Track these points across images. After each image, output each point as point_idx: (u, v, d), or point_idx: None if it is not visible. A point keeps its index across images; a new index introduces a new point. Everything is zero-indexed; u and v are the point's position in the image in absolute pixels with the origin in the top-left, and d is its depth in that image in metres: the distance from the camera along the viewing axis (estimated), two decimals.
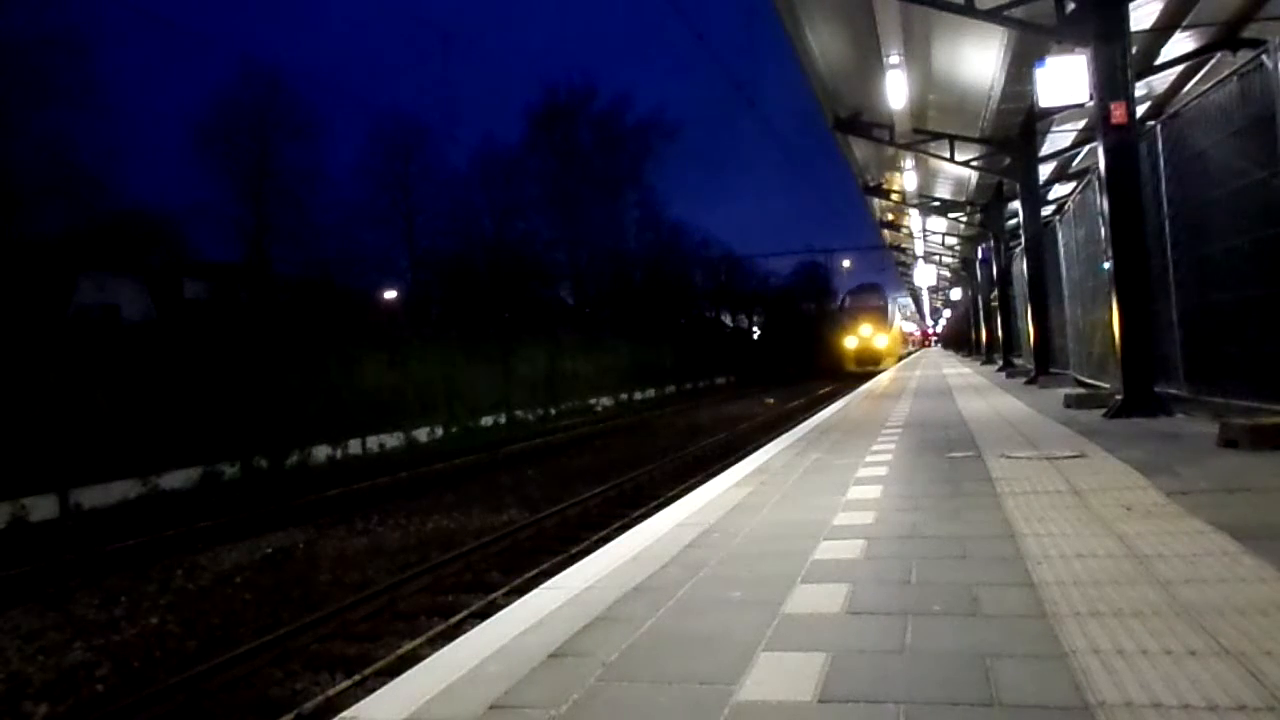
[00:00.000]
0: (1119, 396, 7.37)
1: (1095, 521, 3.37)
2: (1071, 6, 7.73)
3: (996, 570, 2.80)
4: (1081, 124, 14.15)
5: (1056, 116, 13.04)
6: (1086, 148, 15.76)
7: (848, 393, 16.93)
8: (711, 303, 52.92)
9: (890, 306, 45.66)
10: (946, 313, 66.16)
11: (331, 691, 4.92)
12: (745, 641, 2.27)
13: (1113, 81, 7.21)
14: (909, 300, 64.76)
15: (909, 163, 18.12)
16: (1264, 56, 5.14)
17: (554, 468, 14.73)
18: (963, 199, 22.95)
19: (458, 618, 6.17)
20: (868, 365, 39.76)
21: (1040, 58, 7.92)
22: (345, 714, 2.02)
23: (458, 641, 2.58)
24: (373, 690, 2.26)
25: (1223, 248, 6.00)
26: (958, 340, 47.07)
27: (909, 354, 53.41)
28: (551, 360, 27.82)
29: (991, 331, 24.96)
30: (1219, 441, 5.08)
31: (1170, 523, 3.25)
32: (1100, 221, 8.28)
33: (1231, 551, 2.78)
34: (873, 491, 4.47)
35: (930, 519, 3.68)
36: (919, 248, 33.85)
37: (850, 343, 43.83)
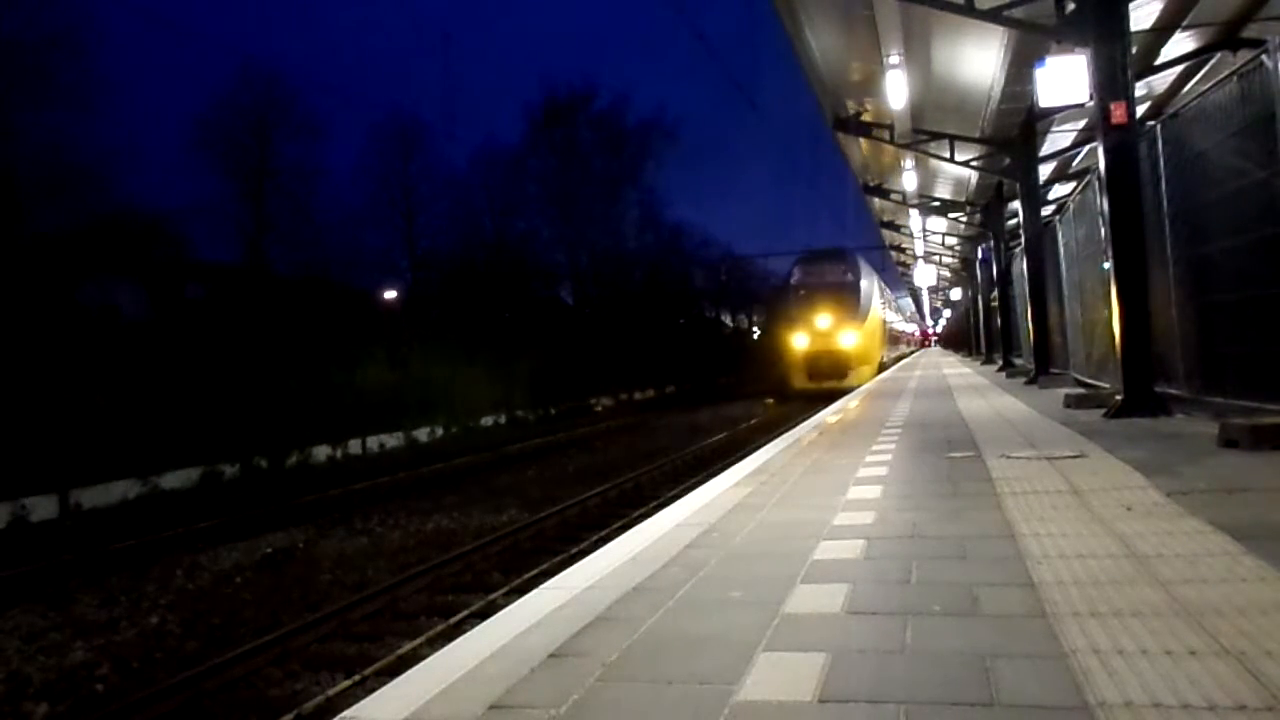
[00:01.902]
0: (1119, 396, 7.37)
1: (1095, 521, 3.37)
2: (1071, 6, 7.72)
3: (996, 570, 2.80)
4: (1081, 124, 14.14)
5: (1056, 116, 13.04)
6: (1086, 148, 15.76)
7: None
8: (713, 303, 52.68)
9: (866, 284, 26.54)
10: (946, 313, 66.19)
11: (331, 691, 4.93)
12: (745, 641, 2.27)
13: (1113, 81, 7.21)
14: (909, 300, 64.06)
15: (909, 163, 18.11)
16: (1264, 56, 5.14)
17: (554, 467, 14.73)
18: (963, 199, 22.95)
19: (458, 618, 6.18)
20: (827, 378, 24.20)
21: (1040, 58, 7.93)
22: (345, 714, 2.02)
23: (458, 641, 2.57)
24: (373, 690, 2.26)
25: (1222, 248, 6.00)
26: (957, 340, 46.79)
27: (904, 356, 41.37)
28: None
29: (991, 331, 24.93)
30: (1219, 441, 5.08)
31: (1170, 523, 3.25)
32: (1100, 221, 8.29)
33: (1231, 551, 2.78)
34: (873, 491, 4.47)
35: (930, 519, 3.68)
36: (919, 248, 33.83)
37: (799, 342, 25.64)
